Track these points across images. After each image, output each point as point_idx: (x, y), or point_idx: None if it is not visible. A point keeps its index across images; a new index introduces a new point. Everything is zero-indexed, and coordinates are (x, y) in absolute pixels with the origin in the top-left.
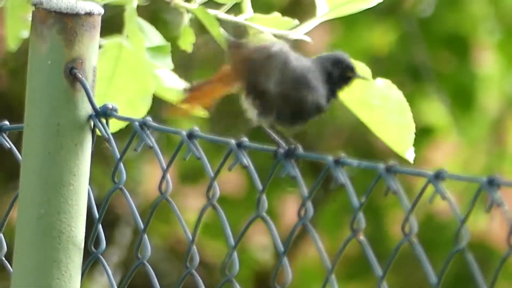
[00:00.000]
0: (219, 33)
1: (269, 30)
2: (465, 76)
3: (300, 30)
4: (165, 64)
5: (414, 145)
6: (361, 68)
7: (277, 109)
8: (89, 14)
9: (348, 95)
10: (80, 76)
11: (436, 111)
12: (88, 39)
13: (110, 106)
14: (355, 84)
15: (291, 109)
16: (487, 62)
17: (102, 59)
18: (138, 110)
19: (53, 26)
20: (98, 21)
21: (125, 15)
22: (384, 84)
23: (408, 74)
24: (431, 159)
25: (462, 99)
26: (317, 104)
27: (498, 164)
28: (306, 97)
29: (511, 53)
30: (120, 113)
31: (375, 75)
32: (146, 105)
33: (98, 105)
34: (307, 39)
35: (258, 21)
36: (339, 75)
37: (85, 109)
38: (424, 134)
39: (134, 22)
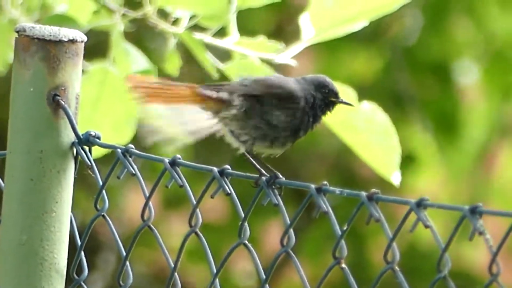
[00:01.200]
0: (205, 57)
1: (255, 54)
2: (449, 104)
3: (286, 54)
4: None
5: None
6: (347, 92)
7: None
8: (72, 41)
9: (333, 118)
10: (63, 103)
11: (420, 138)
12: (71, 66)
13: (93, 133)
14: (340, 107)
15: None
16: (471, 90)
17: (87, 84)
18: (123, 134)
19: (36, 53)
20: (81, 48)
21: (112, 39)
22: (369, 108)
23: (392, 101)
24: (413, 186)
25: (446, 126)
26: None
27: (483, 192)
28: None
29: (497, 80)
30: (105, 137)
31: (359, 102)
32: (131, 129)
33: (83, 129)
34: (293, 62)
35: (244, 45)
36: (322, 99)
37: (68, 136)
38: (408, 162)
39: (120, 46)
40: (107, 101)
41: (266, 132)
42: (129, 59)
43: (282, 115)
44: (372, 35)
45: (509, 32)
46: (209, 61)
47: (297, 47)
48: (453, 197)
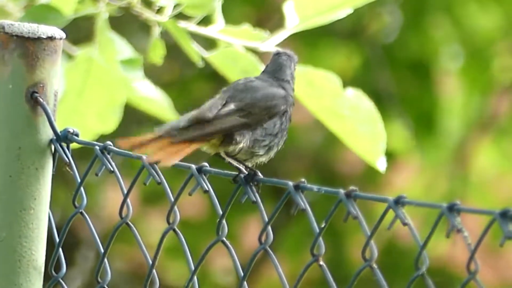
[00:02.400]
0: (190, 46)
1: (240, 42)
2: (428, 100)
3: (270, 42)
4: (136, 77)
5: (376, 169)
6: (331, 78)
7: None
8: (50, 39)
9: (318, 106)
10: (42, 100)
11: (399, 134)
12: (50, 63)
13: (71, 131)
14: (324, 95)
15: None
16: (450, 86)
17: (72, 73)
18: (109, 122)
19: (15, 50)
20: (59, 45)
21: (96, 27)
22: (354, 95)
23: (371, 97)
24: (393, 182)
25: (424, 122)
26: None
27: (461, 188)
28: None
29: (474, 77)
30: (90, 125)
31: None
32: (117, 117)
33: (68, 118)
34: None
35: (229, 33)
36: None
37: (46, 133)
38: (387, 158)
39: (105, 35)
40: (92, 90)
41: (269, 143)
42: (114, 48)
43: (278, 121)
44: (352, 32)
45: (487, 29)
46: (194, 50)
47: (281, 34)
48: (432, 192)
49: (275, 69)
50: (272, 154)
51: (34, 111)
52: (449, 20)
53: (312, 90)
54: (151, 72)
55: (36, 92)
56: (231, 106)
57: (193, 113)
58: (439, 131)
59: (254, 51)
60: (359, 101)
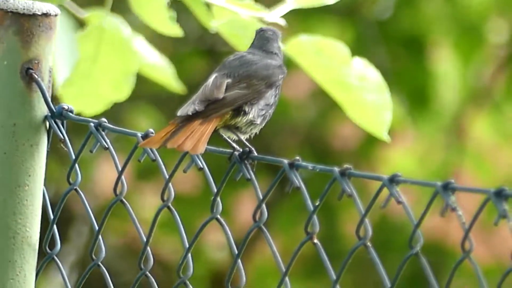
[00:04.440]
0: (203, 11)
1: (247, 12)
2: (422, 75)
3: (274, 13)
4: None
5: (371, 144)
6: (339, 47)
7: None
8: (45, 15)
9: (324, 76)
10: (36, 76)
11: (394, 111)
12: (45, 40)
13: (66, 107)
14: (332, 64)
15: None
16: (444, 60)
17: (85, 41)
18: (122, 90)
19: (10, 27)
20: (55, 22)
21: None
22: (361, 64)
23: None
24: (387, 157)
25: (419, 97)
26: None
27: (457, 159)
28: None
29: (468, 51)
30: (105, 93)
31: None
32: (129, 85)
33: (81, 85)
34: (282, 22)
35: (236, 3)
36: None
37: (41, 110)
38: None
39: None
40: (105, 58)
41: (265, 113)
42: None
43: (273, 92)
44: (346, 9)
45: (480, 4)
46: (207, 16)
47: (283, 8)
48: (427, 165)
49: (263, 43)
50: (263, 124)
51: (29, 88)
52: None
53: (321, 59)
54: None
55: (31, 69)
56: (234, 81)
57: (200, 96)
58: (434, 104)
59: (260, 21)
60: (366, 70)
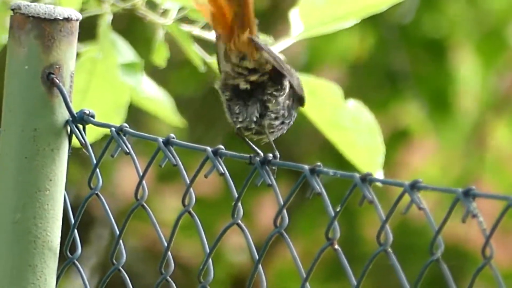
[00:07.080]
0: (193, 50)
1: None
2: (443, 79)
3: (275, 48)
4: (136, 82)
5: (392, 149)
6: (332, 88)
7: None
8: (67, 20)
9: (318, 116)
10: (58, 81)
11: (415, 115)
12: (66, 44)
13: (87, 112)
14: (325, 105)
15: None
16: (465, 64)
17: (77, 72)
18: (113, 123)
19: (31, 31)
20: (76, 26)
21: (99, 31)
22: (355, 106)
23: (386, 78)
24: (409, 162)
25: (440, 101)
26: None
27: (477, 167)
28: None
29: (490, 55)
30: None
31: (354, 79)
32: (121, 118)
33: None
34: (282, 57)
35: None
36: None
37: (62, 115)
38: (401, 138)
39: (107, 38)
40: (96, 90)
41: (283, 120)
42: (116, 51)
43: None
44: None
45: (503, 8)
46: (196, 54)
47: (286, 42)
48: (447, 174)
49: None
50: (277, 135)
51: (50, 92)
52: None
53: (314, 100)
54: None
55: (52, 73)
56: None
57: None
58: (455, 110)
59: None
60: (360, 113)
